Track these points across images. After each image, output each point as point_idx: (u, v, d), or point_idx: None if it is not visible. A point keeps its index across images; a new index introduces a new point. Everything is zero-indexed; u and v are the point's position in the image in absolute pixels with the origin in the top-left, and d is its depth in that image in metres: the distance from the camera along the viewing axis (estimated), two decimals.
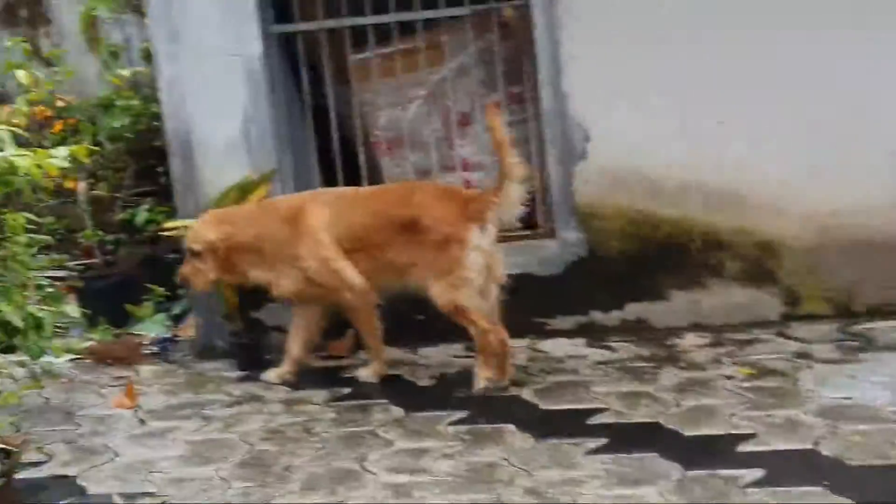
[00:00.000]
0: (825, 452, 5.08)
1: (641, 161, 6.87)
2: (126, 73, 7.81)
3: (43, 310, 5.26)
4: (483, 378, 6.26)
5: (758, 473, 4.93)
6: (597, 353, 6.68)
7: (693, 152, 6.81)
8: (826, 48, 6.61)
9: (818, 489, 4.73)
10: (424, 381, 6.55)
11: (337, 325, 6.88)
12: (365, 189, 6.95)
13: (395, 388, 6.46)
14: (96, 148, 7.47)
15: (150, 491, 5.38)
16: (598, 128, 6.89)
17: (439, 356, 6.91)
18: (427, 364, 6.81)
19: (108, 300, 7.94)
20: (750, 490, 4.79)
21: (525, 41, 7.21)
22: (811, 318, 6.78)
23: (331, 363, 6.98)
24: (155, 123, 8.21)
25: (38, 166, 5.01)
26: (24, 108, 5.27)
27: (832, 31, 6.60)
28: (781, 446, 5.19)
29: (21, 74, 5.34)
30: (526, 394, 6.15)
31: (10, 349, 5.29)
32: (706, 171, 6.81)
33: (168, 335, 7.76)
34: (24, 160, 4.91)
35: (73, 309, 5.54)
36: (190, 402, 6.55)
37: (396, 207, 6.35)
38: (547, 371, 6.48)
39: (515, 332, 6.96)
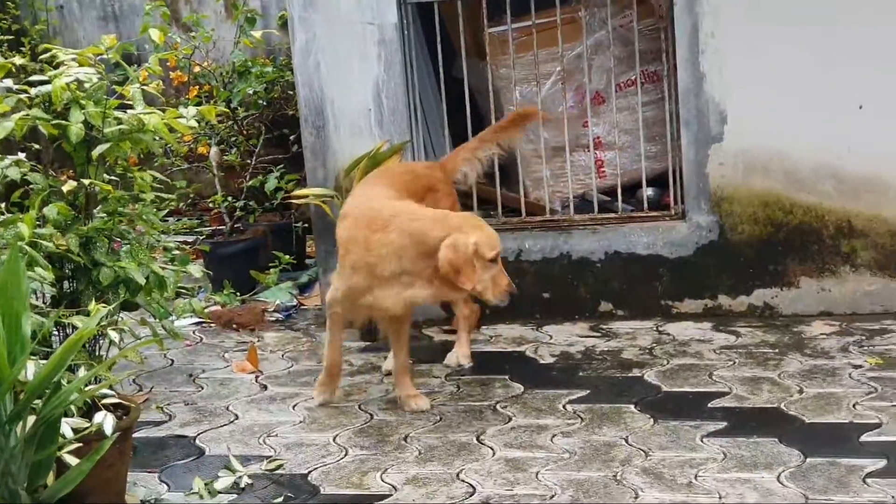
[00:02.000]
0: None
1: (778, 144, 6.75)
2: (258, 34, 7.84)
3: (166, 269, 5.31)
4: (466, 357, 6.43)
5: (880, 464, 4.84)
6: (722, 338, 6.59)
7: (831, 136, 6.66)
8: None
9: None
10: (546, 359, 6.51)
11: None
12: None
13: (517, 365, 6.43)
14: (225, 109, 7.52)
15: (268, 454, 5.43)
16: (736, 109, 6.77)
17: (562, 334, 6.87)
18: (550, 342, 6.76)
19: (235, 266, 8.04)
20: (871, 480, 4.70)
21: (664, 19, 7.11)
22: None
23: (453, 337, 6.96)
24: (289, 91, 8.30)
25: (167, 125, 5.06)
26: (156, 68, 5.30)
27: None
28: None
29: (154, 33, 5.38)
30: (649, 375, 6.10)
31: (133, 306, 5.35)
32: (843, 156, 6.66)
33: (293, 303, 7.83)
34: (152, 118, 4.95)
35: (196, 269, 5.58)
36: (311, 369, 6.58)
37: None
38: (671, 354, 6.41)
39: (642, 314, 6.96)
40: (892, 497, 4.54)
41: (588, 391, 5.96)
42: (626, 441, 5.29)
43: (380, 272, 5.63)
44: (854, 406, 5.47)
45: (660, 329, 6.84)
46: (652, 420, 5.52)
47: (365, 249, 5.65)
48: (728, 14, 6.69)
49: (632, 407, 5.70)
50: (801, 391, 5.71)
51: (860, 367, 5.96)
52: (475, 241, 5.48)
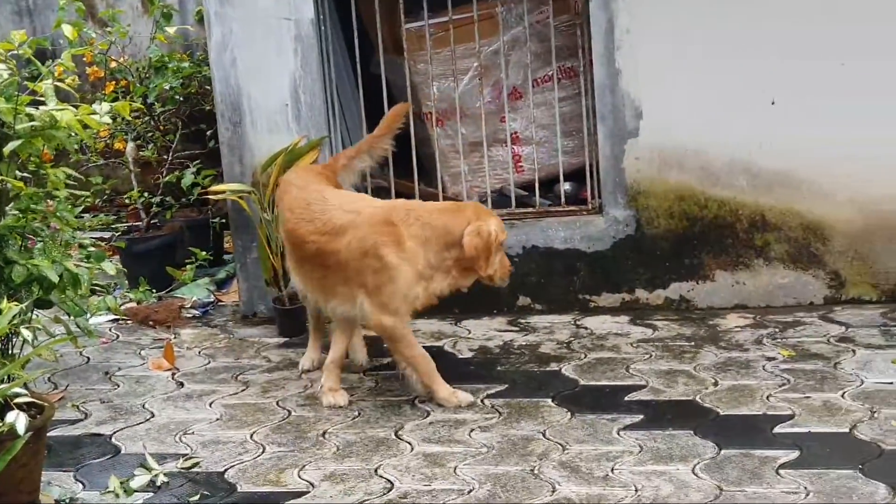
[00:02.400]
0: (862, 436, 5.03)
1: (693, 139, 6.80)
2: (172, 30, 7.79)
3: (80, 266, 5.26)
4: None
5: (793, 455, 4.90)
6: (639, 331, 6.64)
7: (744, 132, 6.73)
8: (885, 32, 6.53)
9: (852, 472, 4.69)
10: (465, 354, 6.52)
11: None
12: None
13: (436, 360, 6.39)
14: (139, 105, 7.46)
15: (184, 452, 5.40)
16: (651, 105, 6.82)
17: (481, 329, 6.89)
18: (468, 337, 6.78)
19: (152, 262, 8.00)
20: (784, 471, 4.76)
21: (580, 15, 7.15)
22: (856, 302, 6.72)
23: (373, 332, 6.93)
24: (206, 87, 8.24)
25: (81, 122, 5.01)
26: (69, 64, 5.24)
27: (888, 24, 6.54)
28: (818, 429, 5.15)
29: (67, 29, 5.31)
30: (566, 369, 6.12)
31: (47, 304, 5.29)
32: (756, 151, 6.73)
33: (210, 299, 7.79)
34: (65, 114, 4.90)
35: (110, 266, 5.53)
36: (229, 366, 6.57)
37: None
38: (589, 347, 6.44)
39: (561, 309, 6.99)
40: (805, 488, 4.59)
41: (506, 385, 5.98)
42: (544, 435, 5.31)
43: (417, 267, 5.69)
44: (767, 398, 5.53)
45: (578, 323, 6.87)
46: (569, 414, 5.55)
47: (399, 248, 5.66)
48: (643, 11, 6.73)
49: (549, 401, 5.73)
50: (716, 384, 5.76)
51: (774, 359, 6.03)
52: (494, 228, 5.75)
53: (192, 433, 5.63)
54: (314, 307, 6.25)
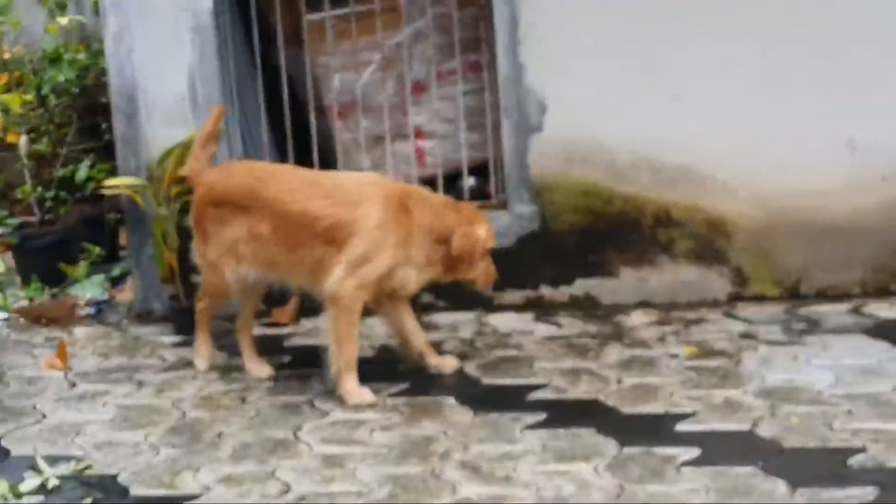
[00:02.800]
0: (762, 433, 5.03)
1: (597, 135, 6.78)
2: (64, 21, 7.63)
3: None
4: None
5: (694, 452, 4.88)
6: (543, 329, 6.61)
7: (647, 127, 6.72)
8: (786, 32, 6.56)
9: (752, 469, 4.68)
10: (367, 352, 6.43)
11: (281, 292, 6.77)
12: None
13: None
14: (28, 98, 7.30)
15: (76, 454, 5.28)
16: (556, 99, 6.79)
17: (383, 327, 6.80)
18: (370, 335, 6.70)
19: (45, 258, 7.82)
20: (685, 469, 4.74)
21: (483, 8, 7.10)
22: (759, 299, 6.74)
23: (272, 331, 6.87)
24: (103, 79, 8.06)
25: None
26: None
27: (791, 18, 6.56)
28: (719, 426, 5.14)
29: None
30: (469, 368, 6.08)
31: None
32: (660, 147, 6.73)
33: (105, 297, 7.63)
34: None
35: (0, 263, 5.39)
36: (123, 365, 6.45)
37: None
38: (492, 345, 6.41)
39: (464, 306, 6.93)
40: (706, 485, 4.58)
41: (408, 384, 5.93)
42: (446, 435, 5.26)
43: (409, 252, 5.79)
44: (670, 395, 5.52)
45: (482, 321, 6.82)
46: (471, 413, 5.50)
47: (398, 227, 5.74)
48: (547, 5, 6.70)
49: (452, 400, 5.68)
50: (619, 381, 5.74)
51: (677, 356, 6.02)
52: (483, 234, 5.91)
53: (85, 435, 5.51)
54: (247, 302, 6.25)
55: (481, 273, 5.97)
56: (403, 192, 5.92)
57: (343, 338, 5.75)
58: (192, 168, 6.22)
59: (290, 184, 5.91)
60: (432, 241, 5.82)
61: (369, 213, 5.70)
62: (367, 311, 6.30)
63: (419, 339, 6.12)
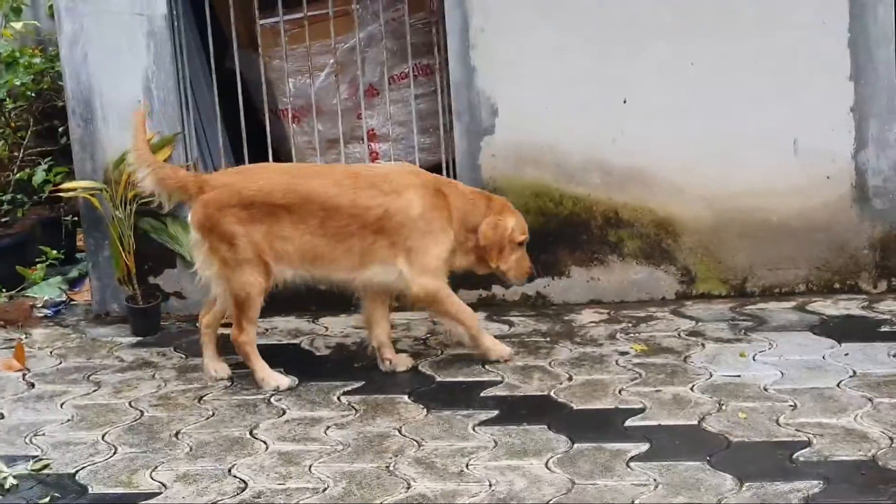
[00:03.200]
0: (710, 428, 5.12)
1: (548, 137, 6.88)
2: (18, 25, 7.64)
3: None
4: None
5: (643, 447, 4.97)
6: (496, 327, 6.68)
7: (598, 130, 6.83)
8: (732, 38, 6.68)
9: (700, 464, 4.77)
10: (322, 351, 6.51)
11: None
12: None
13: (292, 357, 6.42)
14: None
15: (34, 454, 5.30)
16: (507, 102, 6.89)
17: (338, 326, 6.88)
18: (326, 334, 6.77)
19: (2, 261, 7.82)
20: (634, 464, 4.82)
21: (435, 13, 7.17)
22: (706, 297, 6.86)
23: (228, 331, 6.88)
24: (59, 82, 8.10)
25: None
26: None
27: (742, 19, 6.68)
28: (668, 422, 5.24)
29: None
30: (423, 366, 6.14)
31: None
32: (609, 149, 6.83)
33: (62, 299, 7.65)
34: None
35: None
36: (81, 366, 6.48)
37: None
38: (446, 344, 6.47)
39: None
40: (654, 480, 4.66)
41: (363, 382, 5.98)
42: (400, 432, 5.32)
43: (451, 236, 6.02)
44: (620, 392, 5.61)
45: (434, 320, 6.86)
46: (425, 410, 5.56)
47: (440, 211, 5.98)
48: (498, 9, 6.79)
49: (406, 397, 5.74)
50: (570, 378, 5.82)
51: (626, 353, 6.11)
52: (512, 226, 6.08)
53: (43, 434, 5.53)
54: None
55: (513, 265, 6.17)
56: (437, 179, 6.18)
57: (458, 316, 6.09)
58: (181, 175, 6.08)
59: (334, 178, 6.01)
60: (464, 228, 6.06)
61: (413, 201, 5.91)
62: (321, 310, 6.37)
63: (383, 330, 6.18)
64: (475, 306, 6.92)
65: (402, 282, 5.97)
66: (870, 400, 5.33)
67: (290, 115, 7.61)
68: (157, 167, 6.07)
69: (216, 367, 6.18)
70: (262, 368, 6.04)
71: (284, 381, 6.00)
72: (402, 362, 6.18)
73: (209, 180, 6.05)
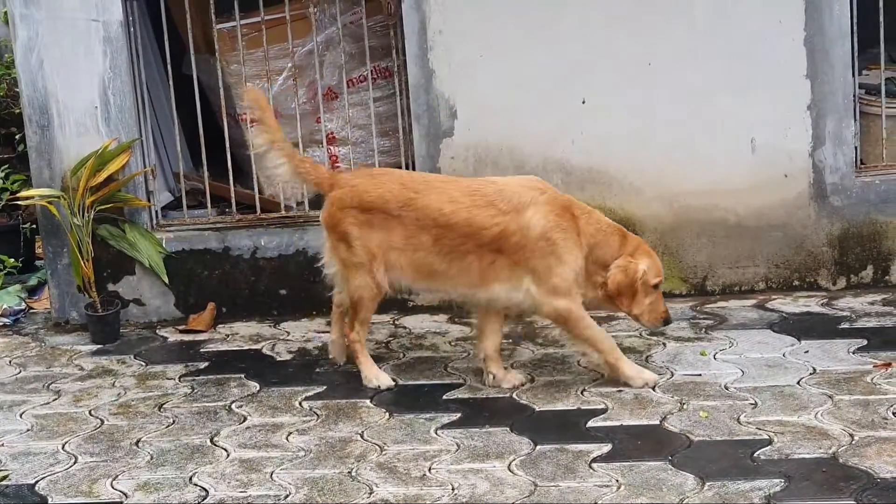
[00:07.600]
0: (671, 428, 5.15)
1: (507, 138, 6.90)
2: None
3: None
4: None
5: (605, 448, 4.99)
6: (457, 330, 6.70)
7: (557, 130, 6.85)
8: (690, 38, 6.72)
9: (662, 464, 4.79)
10: (283, 356, 6.49)
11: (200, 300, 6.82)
12: None
13: (253, 363, 6.39)
14: None
15: None
16: (465, 104, 6.89)
17: (300, 331, 6.86)
18: (287, 339, 6.75)
19: None
20: (596, 465, 4.84)
21: (392, 15, 7.16)
22: (667, 296, 6.70)
23: (188, 337, 6.89)
24: (16, 89, 8.04)
25: None
26: None
27: (698, 18, 6.72)
28: (629, 422, 5.26)
29: None
30: (385, 369, 6.11)
31: None
32: (569, 150, 6.85)
33: (21, 307, 7.59)
34: None
35: None
36: (40, 375, 6.44)
37: None
38: (408, 347, 6.47)
39: (380, 308, 6.96)
40: (617, 480, 4.68)
41: (325, 387, 5.98)
42: (362, 436, 5.32)
43: (579, 260, 5.68)
44: (582, 392, 5.62)
45: (396, 322, 6.89)
46: (387, 414, 5.56)
47: (565, 229, 5.65)
48: (456, 11, 6.79)
49: (368, 402, 5.74)
50: (532, 380, 5.84)
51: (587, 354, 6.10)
52: (644, 269, 5.68)
53: (2, 445, 5.49)
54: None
55: (646, 310, 5.76)
56: (569, 199, 5.83)
57: (591, 340, 5.74)
58: (318, 171, 6.07)
59: (450, 194, 5.79)
60: (592, 259, 5.72)
61: (533, 220, 5.63)
62: (283, 315, 6.35)
63: (493, 343, 5.94)
64: (435, 309, 6.97)
65: (530, 301, 5.71)
66: (830, 397, 5.36)
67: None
68: (297, 161, 6.08)
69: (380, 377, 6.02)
70: (368, 367, 6.02)
71: (386, 381, 5.96)
72: (509, 379, 5.86)
73: (341, 179, 6.01)
